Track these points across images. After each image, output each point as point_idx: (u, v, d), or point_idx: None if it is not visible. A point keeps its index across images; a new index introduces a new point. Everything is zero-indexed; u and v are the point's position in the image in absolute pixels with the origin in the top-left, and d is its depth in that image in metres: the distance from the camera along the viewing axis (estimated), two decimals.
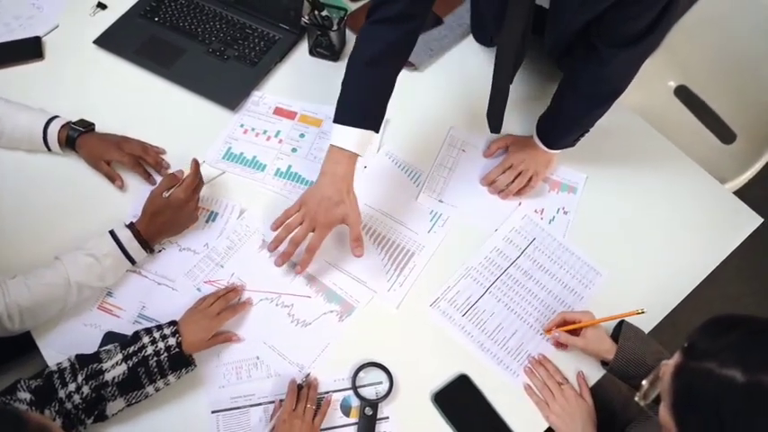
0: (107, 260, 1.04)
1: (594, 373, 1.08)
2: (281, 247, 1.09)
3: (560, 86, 1.19)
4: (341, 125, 1.05)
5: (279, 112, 1.32)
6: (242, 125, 1.30)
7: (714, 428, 0.61)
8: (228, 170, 1.24)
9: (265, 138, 1.29)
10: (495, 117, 1.22)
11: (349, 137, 1.04)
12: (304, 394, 1.01)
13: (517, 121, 1.32)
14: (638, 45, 0.98)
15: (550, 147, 1.22)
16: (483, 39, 1.40)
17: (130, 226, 1.07)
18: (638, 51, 1.01)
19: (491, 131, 1.26)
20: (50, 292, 1.00)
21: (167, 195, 1.08)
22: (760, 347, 0.63)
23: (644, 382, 0.73)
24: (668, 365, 0.67)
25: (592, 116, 1.17)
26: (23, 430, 0.62)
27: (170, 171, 1.22)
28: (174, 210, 1.08)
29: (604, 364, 1.06)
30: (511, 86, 1.16)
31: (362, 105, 1.06)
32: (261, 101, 1.33)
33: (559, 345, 1.10)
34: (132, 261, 1.07)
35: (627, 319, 1.05)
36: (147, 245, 1.08)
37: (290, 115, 1.32)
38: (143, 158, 1.21)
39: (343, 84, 1.07)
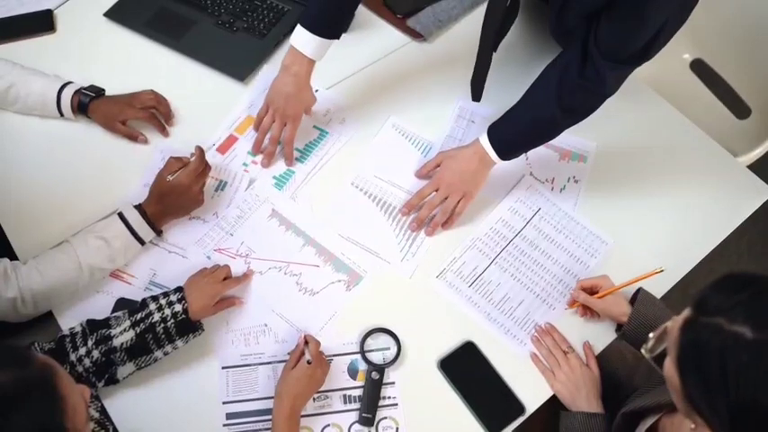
0: (116, 242, 1.05)
1: (600, 343, 1.09)
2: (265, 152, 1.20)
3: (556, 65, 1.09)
4: (304, 29, 1.09)
5: None
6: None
7: (717, 383, 0.61)
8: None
9: None
10: (476, 85, 1.23)
11: (308, 43, 1.10)
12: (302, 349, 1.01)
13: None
14: None
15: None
16: None
17: (138, 207, 1.08)
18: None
19: (472, 99, 1.26)
20: (62, 276, 1.01)
21: (171, 179, 1.07)
22: None
23: (651, 335, 0.73)
24: (677, 320, 0.67)
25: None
26: (29, 366, 0.64)
27: (176, 142, 1.24)
28: (177, 194, 1.08)
29: (619, 329, 1.07)
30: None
31: (327, 15, 1.10)
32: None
33: (585, 313, 1.10)
34: (141, 242, 1.08)
35: (645, 284, 1.07)
36: (155, 226, 1.08)
37: None
38: (156, 109, 1.23)
39: None
